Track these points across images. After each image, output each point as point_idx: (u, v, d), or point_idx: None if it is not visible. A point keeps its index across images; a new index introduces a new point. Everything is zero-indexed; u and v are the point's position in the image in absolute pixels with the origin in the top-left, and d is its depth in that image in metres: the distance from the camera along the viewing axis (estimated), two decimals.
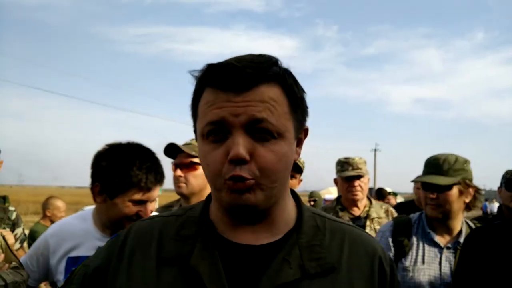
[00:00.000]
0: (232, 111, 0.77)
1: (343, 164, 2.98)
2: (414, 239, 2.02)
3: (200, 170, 2.15)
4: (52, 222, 4.80)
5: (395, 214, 3.08)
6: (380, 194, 7.30)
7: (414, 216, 2.14)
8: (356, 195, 2.92)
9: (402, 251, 2.00)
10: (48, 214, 4.87)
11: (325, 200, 8.23)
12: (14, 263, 1.60)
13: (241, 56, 0.81)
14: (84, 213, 1.78)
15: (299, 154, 0.90)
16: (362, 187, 2.93)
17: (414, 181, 2.17)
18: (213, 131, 0.79)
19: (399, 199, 7.41)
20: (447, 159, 2.00)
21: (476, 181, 2.05)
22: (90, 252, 1.32)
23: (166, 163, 1.79)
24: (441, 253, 1.97)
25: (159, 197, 3.49)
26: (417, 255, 1.98)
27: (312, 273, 0.81)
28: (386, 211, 3.08)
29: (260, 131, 0.78)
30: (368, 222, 2.91)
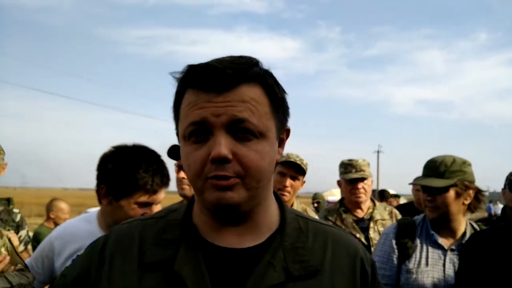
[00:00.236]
0: (213, 111, 0.77)
1: (347, 166, 2.98)
2: (418, 241, 2.02)
3: None
4: (56, 224, 4.82)
5: (399, 216, 3.07)
6: (382, 196, 7.30)
7: (418, 218, 2.14)
8: (359, 197, 2.92)
9: (406, 253, 2.00)
10: (52, 216, 4.89)
11: (328, 202, 8.22)
12: (19, 265, 1.61)
13: (222, 58, 0.81)
14: (88, 215, 1.78)
15: (281, 155, 0.90)
16: (365, 189, 2.93)
17: (411, 183, 2.18)
18: (194, 132, 0.79)
19: (402, 201, 7.39)
20: (443, 161, 2.00)
21: (480, 183, 2.04)
22: None
23: (169, 165, 1.80)
24: (445, 255, 1.96)
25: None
26: (420, 257, 1.98)
27: (296, 276, 0.81)
28: (390, 213, 3.08)
29: (242, 131, 0.78)
30: (371, 224, 2.91)
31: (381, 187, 10.18)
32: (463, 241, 1.96)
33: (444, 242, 2.00)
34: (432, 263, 1.95)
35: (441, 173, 1.98)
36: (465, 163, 2.01)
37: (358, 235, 2.84)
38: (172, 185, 2.16)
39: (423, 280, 1.92)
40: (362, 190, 2.91)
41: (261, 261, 0.81)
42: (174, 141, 2.09)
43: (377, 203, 3.10)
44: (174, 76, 0.84)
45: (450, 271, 1.93)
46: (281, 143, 0.90)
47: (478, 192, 2.01)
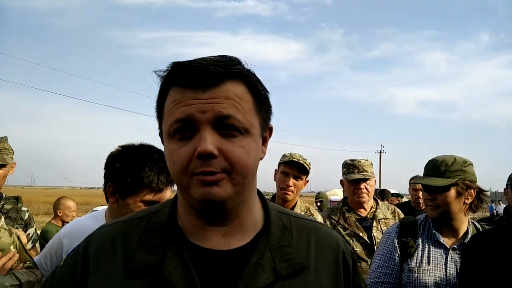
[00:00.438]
0: (199, 108, 0.77)
1: (349, 167, 2.99)
2: (420, 240, 2.03)
3: None
4: (64, 221, 4.86)
5: (402, 215, 3.08)
6: (382, 195, 7.29)
7: (421, 217, 2.15)
8: (362, 197, 2.93)
9: (408, 252, 2.01)
10: (59, 214, 4.93)
11: (331, 201, 8.22)
12: (28, 263, 1.63)
13: (205, 57, 0.82)
14: (97, 214, 1.81)
15: (264, 153, 0.90)
16: (368, 190, 2.94)
17: (413, 182, 2.20)
18: (179, 129, 0.79)
19: (405, 201, 7.38)
20: (444, 160, 2.02)
21: (482, 183, 2.06)
22: None
23: None
24: (447, 254, 1.97)
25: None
26: (422, 256, 1.99)
27: (284, 274, 0.82)
28: (393, 212, 3.09)
29: (227, 127, 0.78)
30: (374, 223, 2.92)
31: (383, 187, 10.16)
32: (465, 240, 1.97)
33: (446, 241, 2.01)
34: (434, 262, 1.96)
35: (442, 173, 1.99)
36: (466, 162, 2.02)
37: (361, 234, 2.85)
38: None
39: (425, 279, 1.93)
40: (364, 190, 2.92)
41: (249, 263, 0.82)
42: None
43: (380, 203, 3.11)
44: (158, 74, 0.84)
45: (452, 270, 1.94)
46: (264, 142, 0.90)
47: (480, 191, 2.02)
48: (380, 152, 47.10)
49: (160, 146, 1.70)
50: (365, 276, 2.21)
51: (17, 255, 1.60)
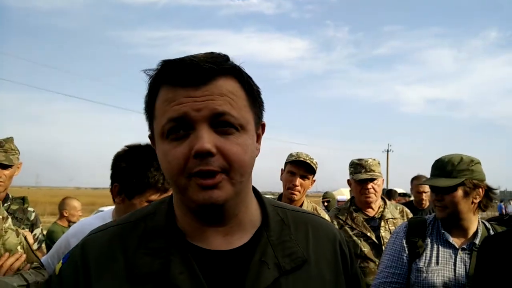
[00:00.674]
0: (193, 106, 0.75)
1: (356, 166, 2.98)
2: (429, 240, 2.02)
3: None
4: (70, 221, 4.88)
5: (410, 215, 3.06)
6: (389, 195, 7.27)
7: (430, 217, 2.13)
8: (369, 197, 2.91)
9: (416, 252, 2.00)
10: (65, 214, 4.95)
11: (338, 201, 8.21)
12: (35, 263, 1.63)
13: (194, 54, 0.80)
14: (104, 214, 1.81)
15: (259, 150, 0.88)
16: (375, 190, 2.92)
17: (418, 183, 2.19)
18: (173, 129, 0.77)
19: (407, 200, 7.38)
20: (451, 160, 2.00)
21: (491, 182, 2.03)
22: None
23: None
24: (456, 254, 1.96)
25: None
26: (431, 256, 1.97)
27: (288, 269, 0.83)
28: (401, 212, 3.07)
29: (223, 125, 0.77)
30: (382, 223, 2.90)
31: (390, 187, 10.14)
32: (475, 240, 1.96)
33: (455, 241, 1.99)
34: (443, 262, 1.94)
35: (448, 172, 1.98)
36: (473, 161, 1.99)
37: (369, 234, 2.83)
38: None
39: (433, 279, 1.91)
40: (372, 190, 2.90)
41: (252, 261, 0.81)
42: None
43: (388, 202, 3.09)
44: (148, 73, 0.82)
45: (461, 270, 1.92)
46: (258, 139, 0.89)
47: (489, 190, 2.00)
48: (388, 151, 46.91)
49: None
50: (373, 276, 2.19)
51: (24, 255, 1.60)
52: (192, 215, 0.83)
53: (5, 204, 2.71)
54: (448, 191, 1.95)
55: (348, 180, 3.11)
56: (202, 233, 0.83)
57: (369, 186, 2.90)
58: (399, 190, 8.43)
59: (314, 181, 2.92)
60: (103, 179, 1.70)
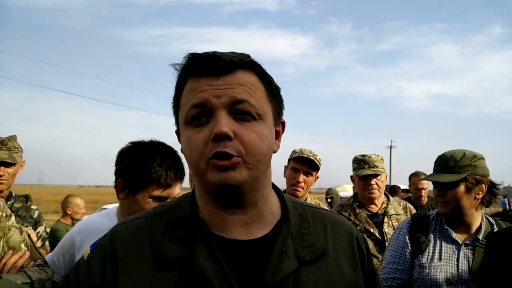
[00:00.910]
0: (214, 93, 0.81)
1: (360, 162, 2.97)
2: (432, 236, 2.01)
3: None
4: (73, 219, 4.89)
5: (414, 211, 3.05)
6: (393, 192, 7.26)
7: (433, 212, 2.13)
8: (372, 193, 2.90)
9: (419, 248, 1.99)
10: (69, 212, 4.96)
11: (341, 198, 8.21)
12: (39, 261, 1.64)
13: (217, 51, 0.86)
14: (108, 211, 1.82)
15: (278, 147, 0.93)
16: (379, 185, 2.91)
17: (422, 179, 2.18)
18: (196, 116, 0.82)
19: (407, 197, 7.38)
20: (453, 155, 1.99)
21: (496, 178, 2.02)
22: None
23: (184, 161, 1.82)
24: (459, 249, 1.95)
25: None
26: (434, 252, 1.97)
27: (307, 260, 0.86)
28: (405, 208, 3.06)
29: (241, 112, 0.82)
30: (386, 219, 2.89)
31: (393, 183, 10.12)
32: (478, 236, 1.95)
33: (458, 236, 1.98)
34: (446, 258, 1.94)
35: (451, 168, 1.97)
36: (475, 157, 1.98)
37: (372, 230, 2.83)
38: (186, 181, 2.19)
39: (436, 275, 1.90)
40: (375, 186, 2.89)
41: (273, 251, 0.84)
42: None
43: (392, 198, 3.08)
44: (175, 67, 0.88)
45: (464, 266, 1.91)
46: (278, 135, 0.93)
47: (492, 185, 1.99)
48: (391, 147, 46.85)
49: (170, 142, 1.69)
50: (377, 272, 2.18)
51: (28, 253, 1.60)
52: (212, 202, 0.87)
53: (9, 202, 2.71)
54: (450, 187, 1.94)
55: (351, 176, 3.10)
56: (224, 223, 0.87)
57: (373, 182, 2.89)
58: (402, 186, 8.40)
59: (318, 177, 2.91)
60: (106, 177, 1.70)
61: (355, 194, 3.11)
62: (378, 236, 2.80)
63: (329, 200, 7.90)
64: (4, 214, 1.62)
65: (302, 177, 2.77)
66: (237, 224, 0.87)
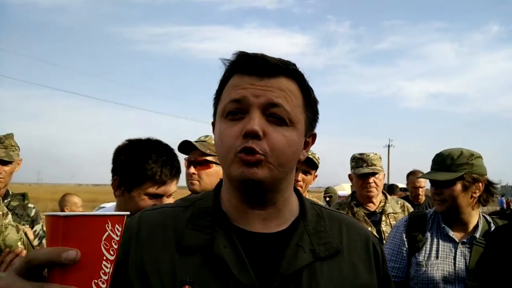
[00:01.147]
0: (253, 92, 0.85)
1: (358, 161, 2.97)
2: (429, 234, 2.02)
3: (213, 169, 2.17)
4: None
5: (411, 209, 3.06)
6: (391, 191, 7.28)
7: (430, 211, 2.14)
8: (370, 191, 2.91)
9: (416, 246, 2.00)
10: (66, 210, 4.96)
11: (339, 197, 8.22)
12: None
13: (266, 54, 0.90)
14: (106, 210, 1.82)
15: (305, 156, 0.96)
16: (377, 184, 2.92)
17: (419, 177, 2.18)
18: (232, 112, 0.86)
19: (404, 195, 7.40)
20: (450, 154, 2.00)
21: (494, 177, 2.02)
22: None
23: (181, 160, 1.82)
24: (456, 248, 1.96)
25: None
26: (431, 250, 1.98)
27: (323, 256, 0.89)
28: (402, 206, 3.07)
29: (275, 116, 0.85)
30: (383, 218, 2.90)
31: (391, 181, 10.13)
32: (475, 234, 1.96)
33: (455, 235, 1.99)
34: (443, 256, 1.95)
35: (448, 166, 1.97)
36: (473, 155, 1.98)
37: (370, 229, 2.82)
38: (182, 181, 2.18)
39: (433, 273, 1.91)
40: (373, 185, 2.90)
41: (290, 244, 0.88)
42: (187, 137, 2.09)
43: (389, 197, 3.09)
44: (224, 62, 0.91)
45: (460, 264, 1.92)
46: (306, 146, 0.96)
47: (489, 184, 1.99)
48: (389, 146, 46.99)
49: (167, 141, 1.69)
50: None
51: (24, 251, 1.60)
52: (236, 196, 0.91)
53: (5, 201, 2.71)
54: (446, 185, 1.95)
55: (350, 175, 3.11)
56: (245, 216, 0.91)
57: (371, 180, 2.90)
58: (400, 185, 8.42)
59: (316, 176, 2.91)
60: (104, 175, 1.70)
61: (353, 193, 3.12)
62: (376, 234, 2.80)
63: (327, 198, 7.91)
64: (0, 213, 1.62)
65: (300, 176, 2.77)
66: (256, 218, 0.91)
